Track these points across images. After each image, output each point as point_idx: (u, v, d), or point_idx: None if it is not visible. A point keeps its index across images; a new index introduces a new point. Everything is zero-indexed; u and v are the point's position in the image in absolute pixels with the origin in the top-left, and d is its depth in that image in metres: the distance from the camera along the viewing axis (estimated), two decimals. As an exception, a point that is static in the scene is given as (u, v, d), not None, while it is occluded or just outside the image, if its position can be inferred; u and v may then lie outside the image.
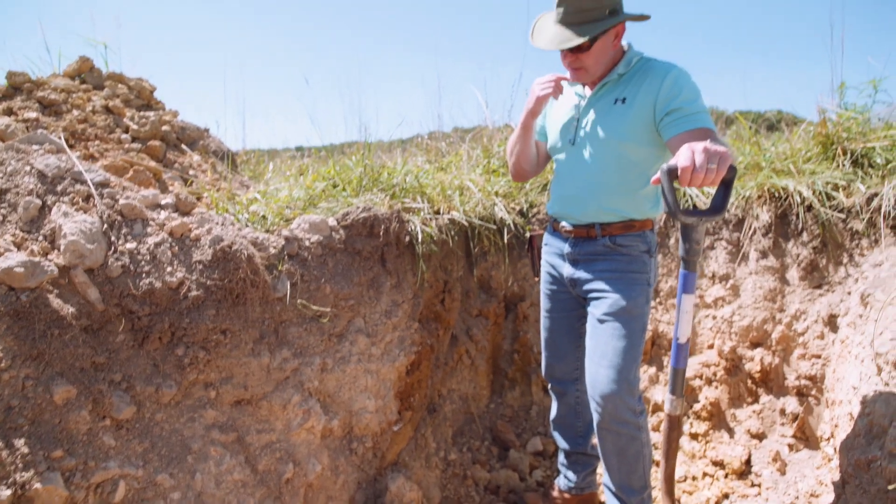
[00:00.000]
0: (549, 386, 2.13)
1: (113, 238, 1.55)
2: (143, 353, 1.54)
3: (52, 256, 1.45)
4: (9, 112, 2.41)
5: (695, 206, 2.70)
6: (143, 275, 1.54)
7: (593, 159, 1.72)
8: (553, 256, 1.96)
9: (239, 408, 1.71)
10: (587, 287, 1.81)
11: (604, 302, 1.74)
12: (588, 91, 1.77)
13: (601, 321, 1.73)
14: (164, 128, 2.75)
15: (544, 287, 2.03)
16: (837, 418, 2.18)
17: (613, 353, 1.68)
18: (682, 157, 1.21)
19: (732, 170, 1.25)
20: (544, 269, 2.02)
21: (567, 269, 1.89)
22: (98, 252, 1.49)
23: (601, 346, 1.71)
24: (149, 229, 1.62)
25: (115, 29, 3.82)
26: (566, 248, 1.87)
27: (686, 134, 1.52)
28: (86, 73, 2.91)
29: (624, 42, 1.74)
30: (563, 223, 1.87)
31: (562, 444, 2.15)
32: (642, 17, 1.67)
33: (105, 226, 1.55)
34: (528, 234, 2.80)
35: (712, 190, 2.21)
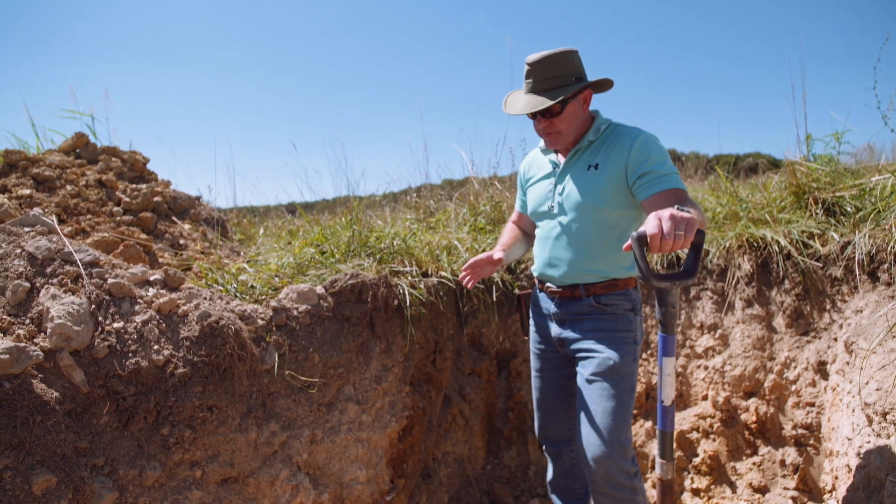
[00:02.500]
0: (544, 448, 2.09)
1: (100, 318, 1.56)
2: (128, 435, 1.51)
3: (39, 340, 1.45)
4: (3, 189, 2.47)
5: (670, 264, 2.76)
6: (130, 354, 1.54)
7: (572, 224, 1.78)
8: (541, 316, 1.98)
9: (225, 486, 1.66)
10: (574, 347, 1.83)
11: (591, 362, 1.75)
12: (561, 159, 1.85)
13: (589, 381, 1.74)
14: (156, 199, 2.81)
15: (533, 347, 2.04)
16: (837, 470, 2.15)
17: (603, 414, 1.68)
18: (651, 224, 1.26)
19: (700, 233, 1.29)
20: (533, 328, 2.04)
21: (554, 329, 1.90)
22: (85, 333, 1.49)
23: (591, 408, 1.71)
24: (137, 307, 1.63)
25: (104, 100, 3.96)
26: (553, 308, 1.89)
27: (658, 195, 1.59)
28: (81, 149, 3.00)
29: (591, 109, 1.84)
30: (549, 284, 1.90)
31: (560, 508, 2.10)
32: (606, 83, 1.77)
33: (93, 306, 1.57)
34: (516, 292, 2.83)
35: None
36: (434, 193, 4.37)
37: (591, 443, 1.69)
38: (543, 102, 1.68)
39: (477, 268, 1.90)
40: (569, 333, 1.85)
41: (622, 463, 1.67)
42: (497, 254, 1.91)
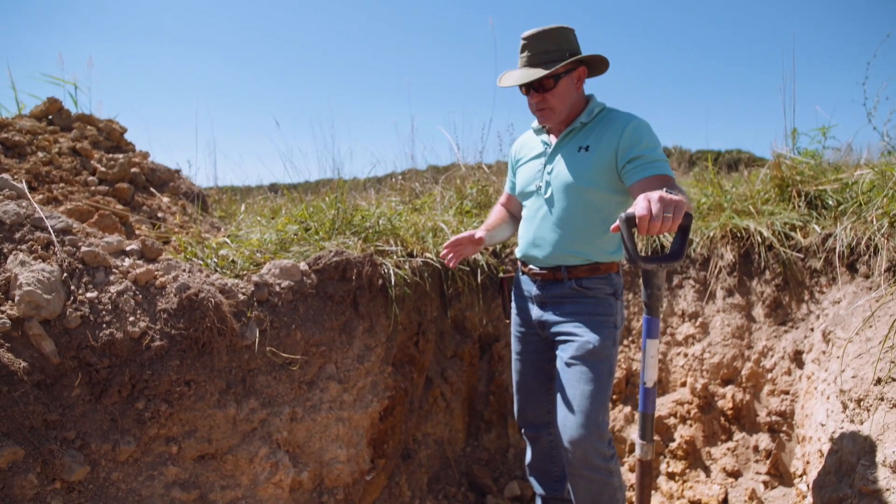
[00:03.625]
0: (523, 431, 2.10)
1: (73, 287, 1.50)
2: (101, 408, 1.46)
3: (6, 307, 1.38)
4: (-31, 154, 2.35)
5: (654, 251, 2.77)
6: (104, 325, 1.49)
7: (559, 204, 1.76)
8: (522, 299, 1.97)
9: (202, 463, 1.63)
10: (555, 330, 1.82)
11: (571, 345, 1.74)
12: (553, 140, 1.83)
13: (569, 364, 1.73)
14: (134, 169, 2.72)
15: (515, 330, 2.03)
16: (808, 455, 2.20)
17: (581, 398, 1.68)
18: (640, 206, 1.25)
19: (688, 217, 1.29)
20: (514, 311, 2.03)
21: (535, 312, 1.90)
22: (56, 302, 1.43)
23: (569, 391, 1.71)
24: (112, 277, 1.57)
25: (87, 69, 3.79)
26: (534, 290, 1.88)
27: (646, 180, 1.58)
28: (54, 115, 2.88)
29: (587, 93, 1.82)
30: (532, 266, 1.88)
31: (538, 489, 2.11)
32: (601, 61, 1.75)
33: (65, 274, 1.50)
34: (500, 275, 2.82)
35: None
36: (419, 177, 4.32)
37: (568, 425, 1.69)
38: (536, 74, 1.66)
39: (458, 246, 1.88)
40: (549, 316, 1.84)
41: (599, 446, 1.67)
42: (479, 233, 1.89)
